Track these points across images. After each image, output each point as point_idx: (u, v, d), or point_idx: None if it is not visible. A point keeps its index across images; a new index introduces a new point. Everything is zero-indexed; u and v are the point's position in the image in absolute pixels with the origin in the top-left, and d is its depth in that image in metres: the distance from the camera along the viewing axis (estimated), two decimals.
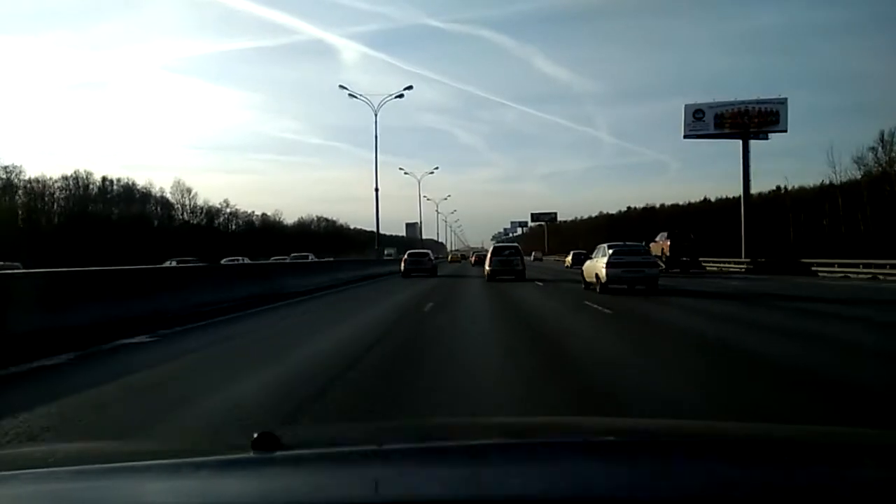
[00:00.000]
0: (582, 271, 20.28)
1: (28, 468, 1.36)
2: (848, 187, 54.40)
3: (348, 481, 1.24)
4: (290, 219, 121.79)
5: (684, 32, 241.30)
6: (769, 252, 42.17)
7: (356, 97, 38.22)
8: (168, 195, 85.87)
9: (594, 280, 18.03)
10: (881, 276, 26.41)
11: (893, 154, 51.51)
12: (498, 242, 44.36)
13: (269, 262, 32.70)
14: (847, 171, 55.57)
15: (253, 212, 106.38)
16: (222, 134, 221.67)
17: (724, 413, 4.60)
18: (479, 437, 1.75)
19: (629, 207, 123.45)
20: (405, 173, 68.72)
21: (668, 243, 37.25)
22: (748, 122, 44.22)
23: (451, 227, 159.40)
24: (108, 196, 79.49)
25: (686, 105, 45.47)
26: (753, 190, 47.65)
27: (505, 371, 6.44)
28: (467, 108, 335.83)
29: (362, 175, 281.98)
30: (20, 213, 66.72)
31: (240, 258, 43.13)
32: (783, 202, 68.54)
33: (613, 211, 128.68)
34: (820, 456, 1.41)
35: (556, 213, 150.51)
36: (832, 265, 31.15)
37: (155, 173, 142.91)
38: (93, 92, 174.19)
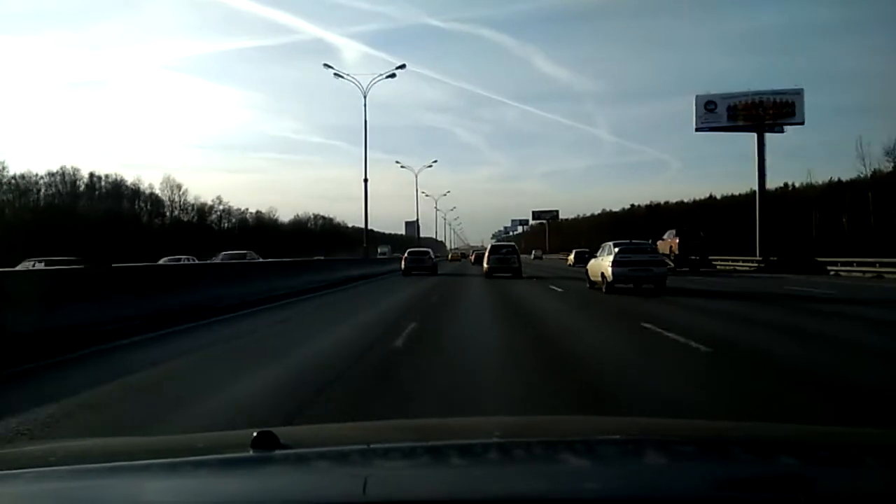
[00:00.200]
0: (586, 270, 19.86)
1: (28, 467, 1.36)
2: (878, 180, 51.66)
3: (347, 480, 1.24)
4: (288, 217, 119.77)
5: (685, 32, 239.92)
6: (782, 250, 40.39)
7: (343, 77, 35.14)
8: (157, 192, 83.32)
9: (599, 279, 17.67)
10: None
11: None
12: (496, 241, 44.55)
13: (187, 263, 24.78)
14: (879, 163, 52.82)
15: (247, 209, 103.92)
16: (223, 133, 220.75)
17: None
18: (478, 437, 1.74)
19: (633, 205, 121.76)
20: (402, 167, 65.81)
21: (677, 241, 35.80)
22: (762, 113, 41.89)
23: (450, 225, 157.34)
24: (96, 193, 77.03)
25: (697, 96, 43.20)
26: (757, 187, 45.32)
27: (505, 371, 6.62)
28: (468, 107, 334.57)
29: (360, 174, 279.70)
30: (5, 210, 64.52)
31: (184, 257, 32.61)
32: (791, 199, 66.51)
33: (616, 209, 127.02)
34: (820, 456, 1.41)
35: (557, 211, 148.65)
36: (851, 263, 29.80)
37: (156, 172, 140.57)
38: (93, 91, 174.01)
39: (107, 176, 78.41)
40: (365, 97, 35.60)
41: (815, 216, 57.84)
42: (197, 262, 24.00)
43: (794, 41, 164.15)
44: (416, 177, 65.35)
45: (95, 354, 7.55)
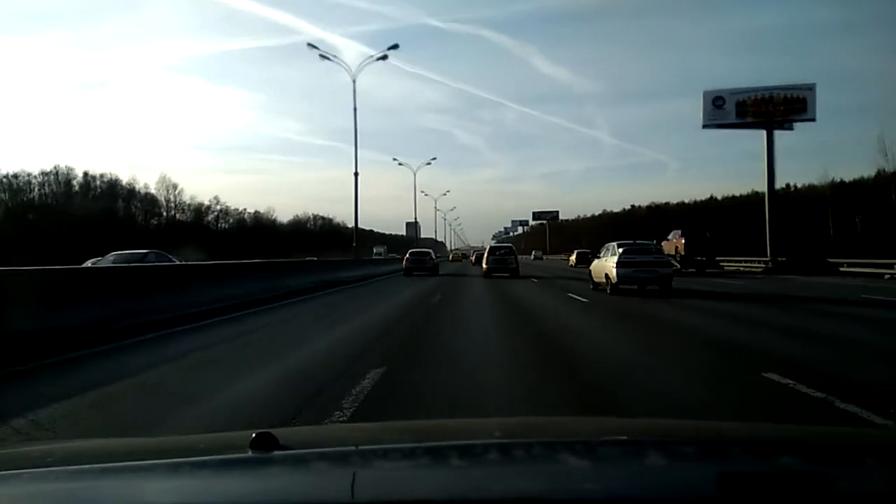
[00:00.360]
0: (590, 271, 19.55)
1: (26, 468, 1.35)
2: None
3: (347, 481, 1.23)
4: (288, 217, 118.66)
5: (685, 33, 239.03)
6: (792, 251, 39.48)
7: (329, 59, 32.99)
8: (153, 191, 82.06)
9: (603, 280, 17.32)
10: None
11: None
12: (496, 243, 44.86)
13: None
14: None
15: (245, 209, 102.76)
16: (225, 134, 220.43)
17: None
18: (478, 437, 1.73)
19: (633, 206, 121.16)
20: (399, 164, 64.16)
21: (683, 242, 34.90)
22: (773, 109, 40.56)
23: (450, 225, 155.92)
24: (91, 193, 75.81)
25: (705, 92, 41.88)
26: (760, 188, 44.41)
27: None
28: (468, 108, 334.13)
29: (363, 174, 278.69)
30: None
31: (146, 252, 21.69)
32: (796, 199, 65.57)
33: (616, 210, 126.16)
34: (820, 456, 1.40)
35: (557, 212, 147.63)
36: (865, 265, 28.73)
37: (157, 174, 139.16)
38: (94, 92, 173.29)
39: (101, 175, 77.48)
40: (354, 82, 33.22)
41: (828, 216, 56.74)
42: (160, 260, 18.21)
43: (796, 41, 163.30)
44: (415, 175, 63.76)
45: None
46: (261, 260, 24.39)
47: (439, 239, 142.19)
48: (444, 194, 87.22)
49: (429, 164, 63.91)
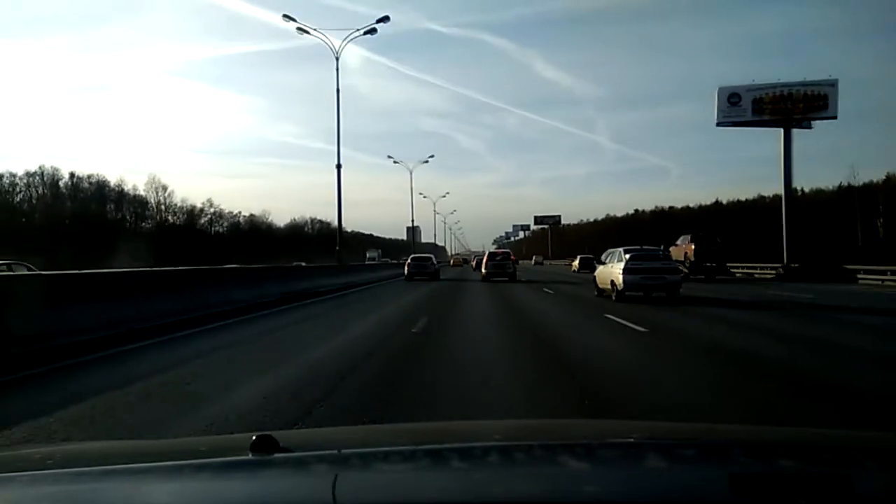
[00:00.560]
0: (594, 277, 19.03)
1: (25, 470, 1.36)
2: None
3: (346, 484, 1.22)
4: (285, 221, 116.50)
5: (685, 37, 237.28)
6: (805, 257, 37.57)
7: (308, 33, 29.61)
8: (142, 193, 79.29)
9: (609, 287, 16.81)
10: None
11: None
12: (495, 248, 48.21)
13: None
14: None
15: (239, 212, 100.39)
16: (224, 138, 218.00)
17: None
18: (479, 440, 1.71)
19: (637, 210, 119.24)
20: (395, 162, 61.26)
21: (693, 247, 33.22)
22: (791, 107, 38.28)
23: (451, 229, 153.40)
24: (81, 194, 73.43)
25: (720, 88, 39.54)
26: (766, 192, 42.31)
27: None
28: (468, 112, 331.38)
29: (362, 179, 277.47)
30: None
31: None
32: (808, 203, 63.32)
33: (618, 214, 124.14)
34: (821, 458, 1.40)
35: (559, 217, 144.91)
36: (884, 272, 26.91)
37: (151, 176, 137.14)
38: (95, 96, 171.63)
39: (89, 176, 74.94)
40: (337, 59, 30.30)
41: (844, 220, 54.44)
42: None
43: (795, 45, 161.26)
44: (411, 173, 60.98)
45: None
46: (198, 267, 18.57)
47: (440, 244, 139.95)
48: (444, 196, 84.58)
49: (426, 162, 61.28)
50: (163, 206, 79.98)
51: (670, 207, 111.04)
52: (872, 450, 1.51)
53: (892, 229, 47.95)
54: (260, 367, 6.93)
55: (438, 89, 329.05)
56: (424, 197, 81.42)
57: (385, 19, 30.25)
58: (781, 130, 38.70)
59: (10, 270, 16.09)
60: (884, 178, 60.58)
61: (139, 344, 8.45)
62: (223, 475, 1.31)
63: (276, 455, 1.28)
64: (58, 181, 71.19)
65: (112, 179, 77.35)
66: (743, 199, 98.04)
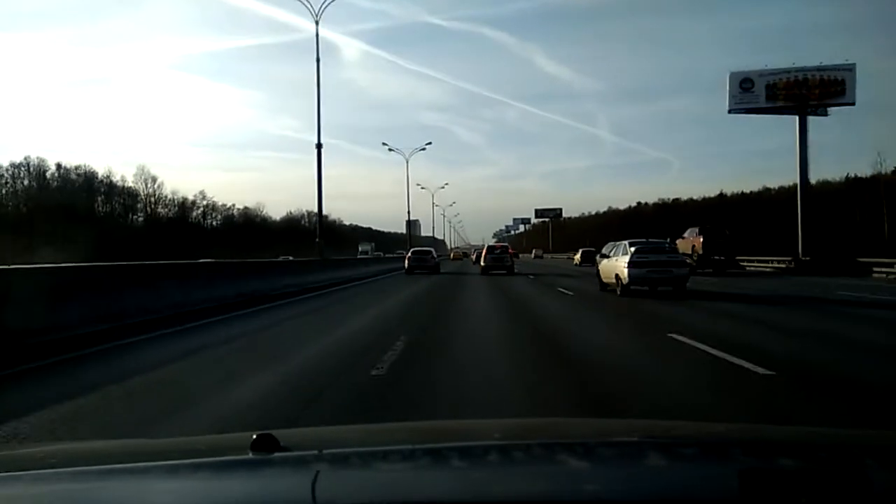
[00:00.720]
0: (598, 271, 18.45)
1: (26, 469, 1.35)
2: None
3: (346, 483, 1.24)
4: (282, 214, 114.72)
5: (685, 31, 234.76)
6: (816, 249, 35.89)
7: None
8: (131, 184, 76.79)
9: (613, 281, 16.30)
10: None
11: None
12: (497, 242, 47.56)
13: None
14: None
15: (234, 205, 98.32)
16: (223, 132, 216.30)
17: None
18: (479, 439, 1.72)
19: (640, 203, 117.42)
20: (390, 150, 57.39)
21: (701, 240, 31.79)
22: (807, 93, 36.28)
23: (450, 222, 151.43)
24: (70, 186, 71.28)
25: (732, 73, 37.53)
26: (772, 184, 40.45)
27: None
28: (468, 106, 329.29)
29: (361, 172, 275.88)
30: None
31: None
32: (819, 195, 61.42)
33: (621, 207, 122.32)
34: (820, 457, 1.40)
35: (561, 210, 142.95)
36: None
37: (155, 170, 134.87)
38: (95, 89, 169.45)
39: (77, 168, 72.76)
40: (317, 24, 26.49)
41: (855, 212, 52.63)
42: None
43: (796, 39, 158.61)
44: (407, 162, 57.91)
45: None
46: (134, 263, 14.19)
47: (439, 237, 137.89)
48: (442, 187, 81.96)
49: (423, 149, 58.42)
50: (152, 199, 77.73)
51: (674, 200, 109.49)
52: (873, 448, 1.49)
53: None
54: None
55: (438, 83, 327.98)
56: (422, 188, 79.18)
57: None
58: (797, 118, 36.72)
59: None
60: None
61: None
62: (223, 474, 1.31)
63: (276, 454, 1.26)
64: (44, 172, 69.13)
65: (100, 171, 75.32)
66: (748, 191, 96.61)
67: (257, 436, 1.26)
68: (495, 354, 7.46)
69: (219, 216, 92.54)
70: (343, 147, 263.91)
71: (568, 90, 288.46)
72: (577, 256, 47.17)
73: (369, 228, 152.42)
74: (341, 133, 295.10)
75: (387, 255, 56.67)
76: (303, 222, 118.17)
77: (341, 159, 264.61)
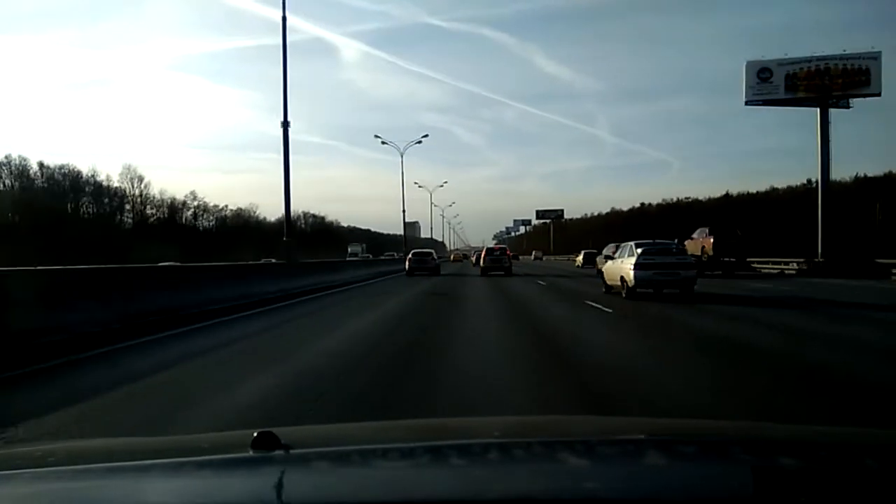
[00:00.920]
0: (602, 273, 18.31)
1: (27, 468, 1.34)
2: None
3: (348, 481, 1.23)
4: (278, 215, 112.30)
5: (686, 31, 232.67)
6: (830, 250, 34.01)
7: None
8: (116, 184, 73.84)
9: (618, 283, 16.06)
10: None
11: None
12: (496, 244, 47.73)
13: None
14: None
15: (226, 206, 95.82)
16: (223, 133, 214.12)
17: None
18: (479, 437, 1.70)
19: (643, 203, 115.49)
20: (383, 143, 53.33)
21: (711, 241, 30.45)
22: (829, 83, 33.95)
23: (450, 224, 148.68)
24: (55, 186, 68.78)
25: (748, 62, 35.15)
26: (779, 184, 38.16)
27: None
28: (468, 106, 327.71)
29: (360, 174, 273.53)
30: None
31: None
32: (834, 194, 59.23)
33: (624, 208, 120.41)
34: (820, 456, 1.40)
35: (562, 210, 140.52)
36: None
37: (155, 172, 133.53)
38: (95, 90, 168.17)
39: (60, 167, 70.13)
40: None
41: (875, 212, 50.38)
42: None
43: (795, 39, 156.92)
44: (402, 155, 53.82)
45: None
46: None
47: (439, 239, 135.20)
48: (441, 185, 78.91)
49: (419, 142, 55.42)
50: (138, 199, 74.96)
51: (678, 200, 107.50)
52: (873, 447, 1.49)
53: None
54: None
55: (438, 83, 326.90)
56: (420, 187, 76.22)
57: None
58: (818, 109, 34.31)
59: None
60: None
61: None
62: (224, 472, 1.31)
63: (277, 452, 1.26)
64: (27, 171, 66.63)
65: (84, 170, 72.59)
66: (753, 191, 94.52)
67: (258, 433, 1.25)
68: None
69: (211, 217, 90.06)
70: (342, 148, 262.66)
71: (568, 90, 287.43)
72: (579, 258, 46.72)
73: (368, 230, 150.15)
74: (340, 134, 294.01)
75: (379, 258, 53.24)
76: (299, 223, 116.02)
77: (340, 160, 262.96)
